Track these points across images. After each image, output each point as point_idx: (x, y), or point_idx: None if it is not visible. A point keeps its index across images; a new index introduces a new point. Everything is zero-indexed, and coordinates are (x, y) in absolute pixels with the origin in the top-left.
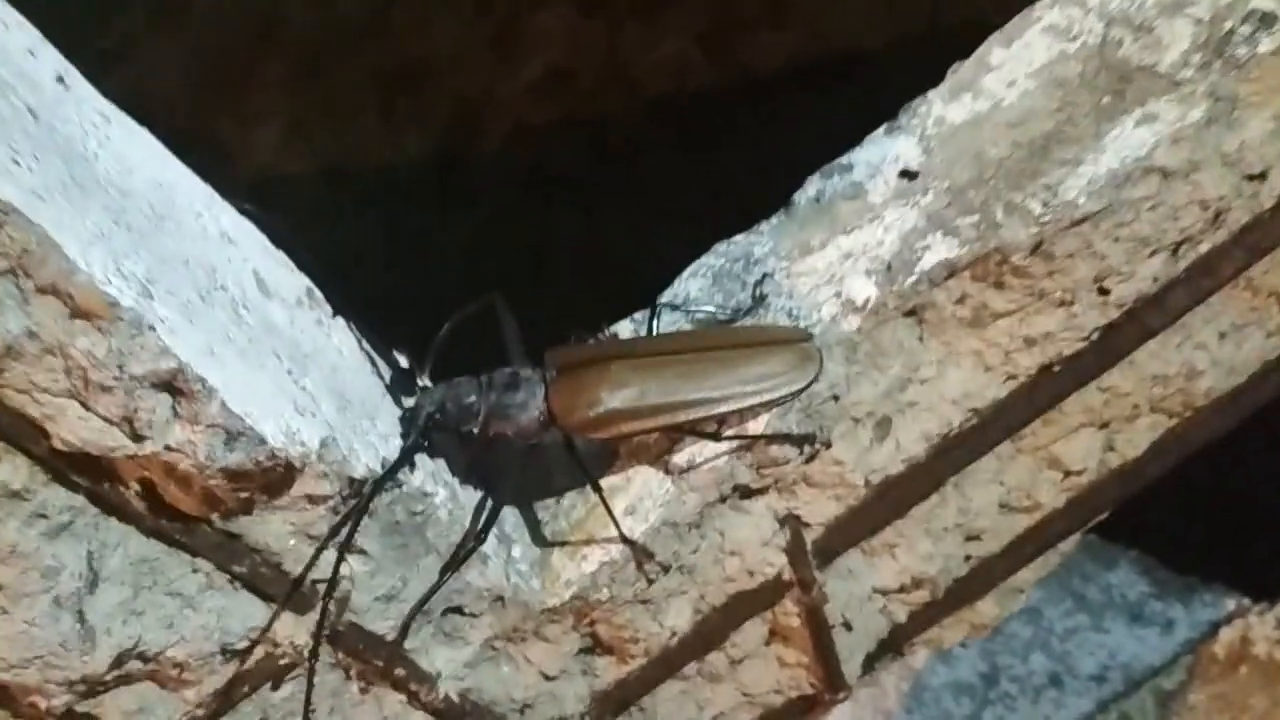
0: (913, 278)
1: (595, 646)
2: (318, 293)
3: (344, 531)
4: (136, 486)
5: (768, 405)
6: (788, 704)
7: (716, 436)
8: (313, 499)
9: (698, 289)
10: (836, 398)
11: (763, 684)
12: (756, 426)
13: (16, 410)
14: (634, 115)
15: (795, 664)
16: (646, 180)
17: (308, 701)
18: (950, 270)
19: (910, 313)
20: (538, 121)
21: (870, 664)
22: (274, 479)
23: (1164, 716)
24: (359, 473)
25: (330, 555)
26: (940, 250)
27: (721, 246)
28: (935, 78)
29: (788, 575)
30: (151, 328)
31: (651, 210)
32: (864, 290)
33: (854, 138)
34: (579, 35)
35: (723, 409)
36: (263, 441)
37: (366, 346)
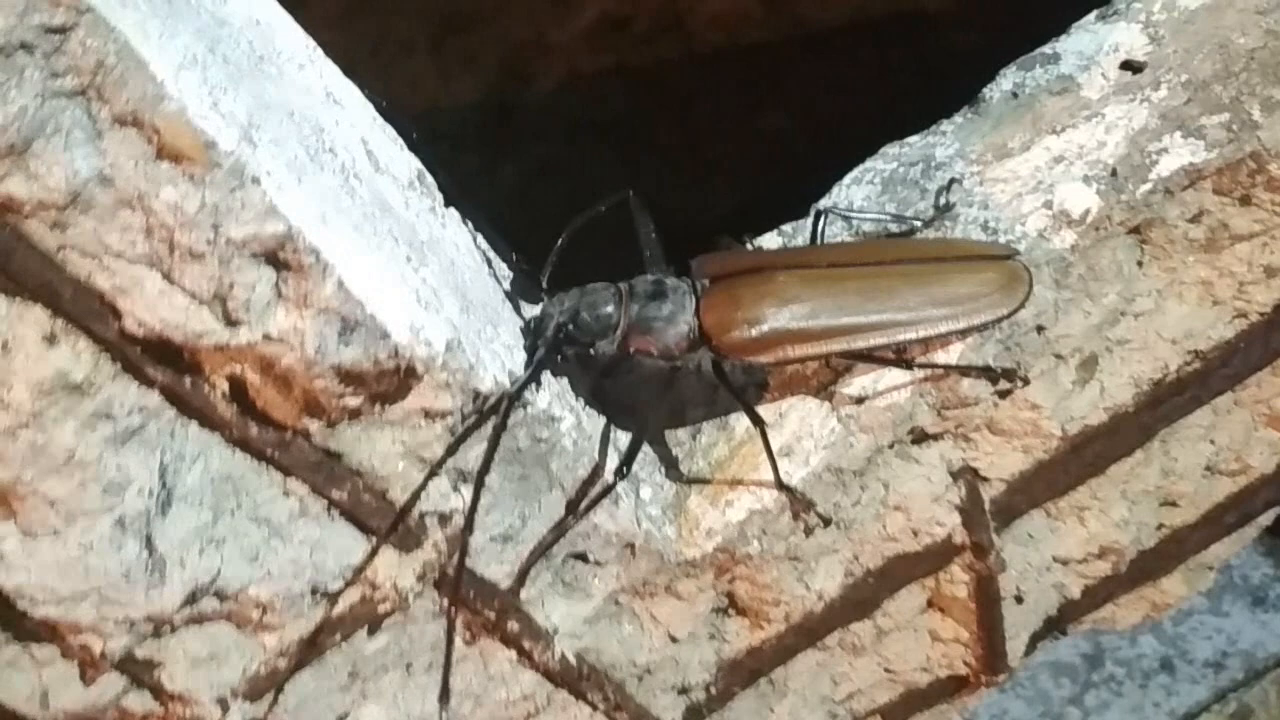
0: (1146, 185)
1: (729, 607)
2: (429, 177)
3: (469, 455)
4: (224, 385)
5: (965, 332)
6: (934, 684)
7: (908, 365)
8: (429, 414)
9: (863, 197)
10: (1041, 328)
11: (910, 660)
12: (947, 358)
13: (81, 280)
14: (688, 66)
15: (952, 639)
16: (698, 131)
17: (447, 665)
18: (1193, 178)
19: (1134, 230)
20: (590, 69)
21: (1034, 644)
22: (390, 386)
23: None
24: (485, 386)
25: (442, 484)
26: (1182, 154)
27: (892, 149)
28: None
29: (959, 538)
30: (256, 180)
31: (701, 161)
32: (1083, 200)
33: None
34: None
35: (910, 335)
36: (385, 335)
37: (482, 244)
